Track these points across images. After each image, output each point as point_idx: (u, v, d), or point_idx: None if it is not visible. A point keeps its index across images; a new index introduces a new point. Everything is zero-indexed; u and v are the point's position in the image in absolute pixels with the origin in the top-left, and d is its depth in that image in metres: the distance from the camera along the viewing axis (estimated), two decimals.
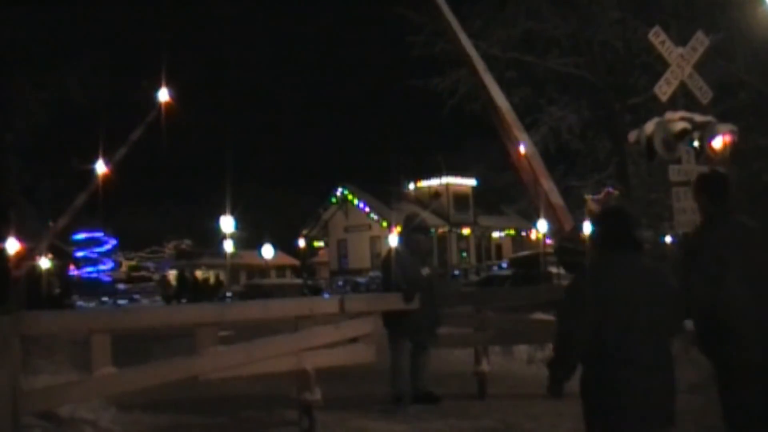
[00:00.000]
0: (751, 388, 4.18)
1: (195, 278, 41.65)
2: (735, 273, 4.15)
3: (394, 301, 7.60)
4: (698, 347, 4.61)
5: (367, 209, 47.02)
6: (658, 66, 11.70)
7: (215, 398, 8.55)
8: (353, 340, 7.12)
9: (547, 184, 12.48)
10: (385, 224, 44.32)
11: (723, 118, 10.97)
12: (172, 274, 46.81)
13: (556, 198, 12.48)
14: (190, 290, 36.33)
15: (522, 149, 12.69)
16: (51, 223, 19.03)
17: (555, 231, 11.84)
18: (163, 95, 10.92)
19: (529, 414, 7.26)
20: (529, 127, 19.66)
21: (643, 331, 3.66)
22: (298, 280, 37.17)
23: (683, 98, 10.02)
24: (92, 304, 31.21)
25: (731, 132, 9.28)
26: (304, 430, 6.56)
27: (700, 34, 10.06)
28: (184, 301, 33.17)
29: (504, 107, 13.05)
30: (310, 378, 6.50)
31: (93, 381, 5.78)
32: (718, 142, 9.16)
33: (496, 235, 52.21)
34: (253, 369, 6.55)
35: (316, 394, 6.49)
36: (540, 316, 9.82)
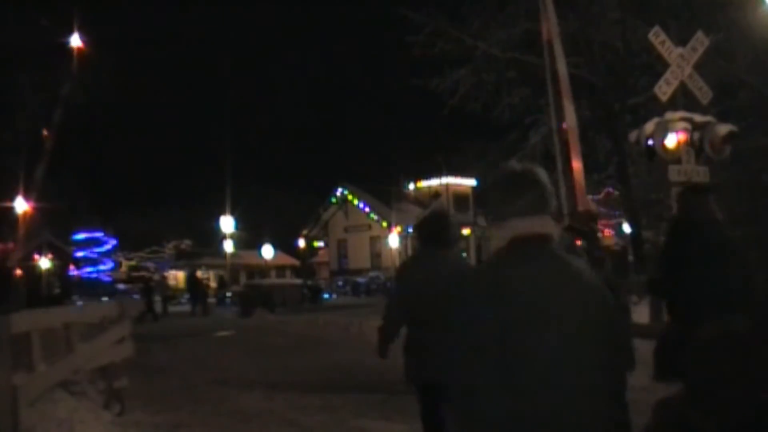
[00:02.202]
0: None
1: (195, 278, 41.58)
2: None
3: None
4: None
5: (367, 209, 46.98)
6: (658, 66, 11.67)
7: (214, 398, 8.55)
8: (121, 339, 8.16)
9: (577, 164, 12.52)
10: (385, 224, 44.29)
11: (723, 118, 10.97)
12: (171, 275, 46.77)
13: (581, 178, 12.52)
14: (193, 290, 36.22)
15: (566, 123, 12.86)
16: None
17: (570, 212, 11.82)
18: (75, 41, 11.19)
19: None
20: (529, 127, 19.69)
21: (440, 304, 4.46)
22: (298, 280, 37.03)
23: (683, 98, 10.01)
24: None
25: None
26: (117, 414, 7.18)
27: (700, 34, 10.07)
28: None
29: (563, 74, 13.21)
30: (118, 368, 7.54)
31: (36, 378, 6.06)
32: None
33: None
34: (101, 360, 7.46)
35: (124, 381, 7.57)
36: None
